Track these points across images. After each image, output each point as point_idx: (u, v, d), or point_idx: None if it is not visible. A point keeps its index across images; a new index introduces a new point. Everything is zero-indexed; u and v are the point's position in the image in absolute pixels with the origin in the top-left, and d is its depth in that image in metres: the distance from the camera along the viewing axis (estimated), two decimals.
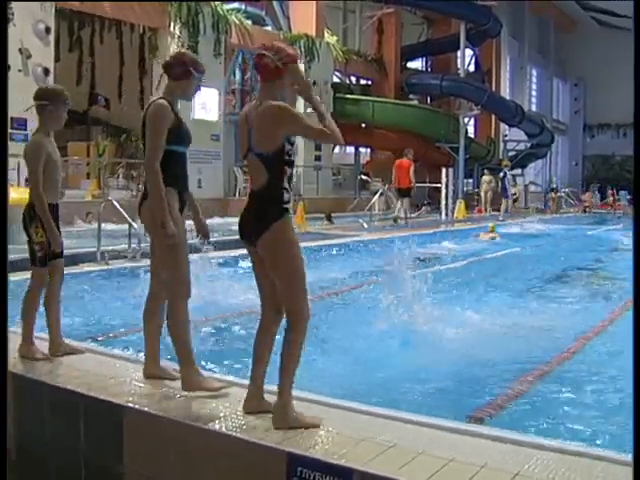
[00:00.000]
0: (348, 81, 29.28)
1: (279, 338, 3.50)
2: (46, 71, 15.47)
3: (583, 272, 11.00)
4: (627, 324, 3.91)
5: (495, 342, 5.80)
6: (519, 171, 32.78)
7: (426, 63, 35.37)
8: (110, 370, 4.24)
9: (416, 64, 34.72)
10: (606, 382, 4.73)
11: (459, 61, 29.81)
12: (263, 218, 3.38)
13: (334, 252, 11.95)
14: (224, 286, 7.39)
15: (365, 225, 16.57)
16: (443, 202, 22.24)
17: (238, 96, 24.17)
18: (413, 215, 19.32)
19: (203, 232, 4.22)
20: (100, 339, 5.58)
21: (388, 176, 26.35)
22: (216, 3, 20.45)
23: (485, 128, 33.40)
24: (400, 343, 5.56)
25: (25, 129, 14.64)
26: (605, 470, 2.95)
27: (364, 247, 12.99)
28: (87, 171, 21.50)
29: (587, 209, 28.61)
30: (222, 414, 3.49)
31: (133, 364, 4.39)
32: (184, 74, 4.02)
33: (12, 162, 9.76)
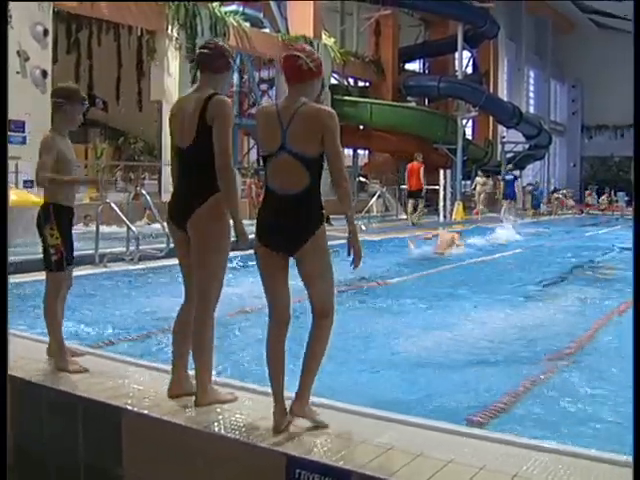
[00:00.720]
0: (346, 83, 29.27)
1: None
2: (44, 73, 15.45)
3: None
4: None
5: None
6: (517, 173, 32.77)
7: (424, 65, 35.36)
8: (109, 372, 4.23)
9: (414, 66, 34.72)
10: (605, 383, 4.73)
11: (457, 63, 29.80)
12: (306, 225, 3.30)
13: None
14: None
15: (363, 227, 16.58)
16: (441, 204, 22.26)
17: (236, 98, 24.18)
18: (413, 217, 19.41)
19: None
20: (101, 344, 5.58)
21: (386, 178, 26.50)
22: (214, 5, 20.44)
23: (483, 130, 33.39)
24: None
25: (23, 131, 14.64)
26: (604, 471, 2.95)
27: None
28: (85, 173, 21.50)
29: (585, 210, 28.68)
30: (221, 417, 3.50)
31: (132, 367, 4.39)
32: (226, 66, 3.75)
33: (10, 164, 9.77)
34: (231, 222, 3.62)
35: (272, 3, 23.94)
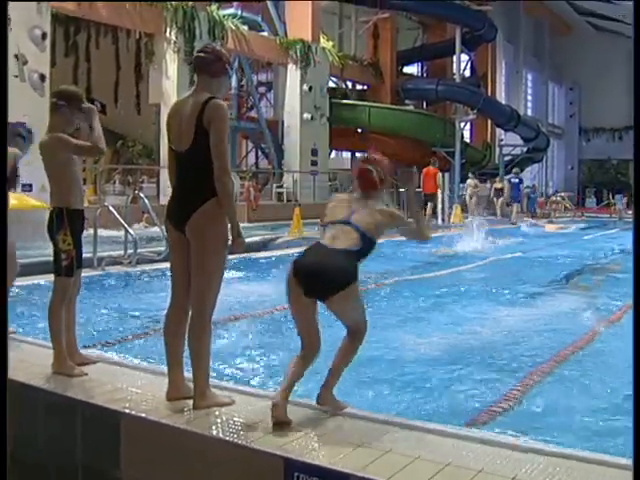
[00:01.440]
0: (344, 86, 29.31)
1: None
2: (42, 77, 15.45)
3: None
4: None
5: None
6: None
7: (422, 68, 35.42)
8: (107, 376, 4.23)
9: (412, 69, 34.77)
10: (604, 386, 4.73)
11: (455, 66, 29.87)
12: (344, 276, 3.54)
13: None
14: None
15: None
16: (439, 207, 22.27)
17: (234, 101, 24.20)
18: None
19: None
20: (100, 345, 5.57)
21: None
22: (212, 8, 20.46)
23: (481, 133, 33.42)
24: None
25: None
26: (603, 474, 2.95)
27: None
28: (83, 177, 21.47)
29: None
30: (219, 420, 3.50)
31: (130, 370, 4.39)
32: (222, 71, 3.75)
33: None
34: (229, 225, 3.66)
35: (270, 6, 23.97)
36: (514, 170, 26.15)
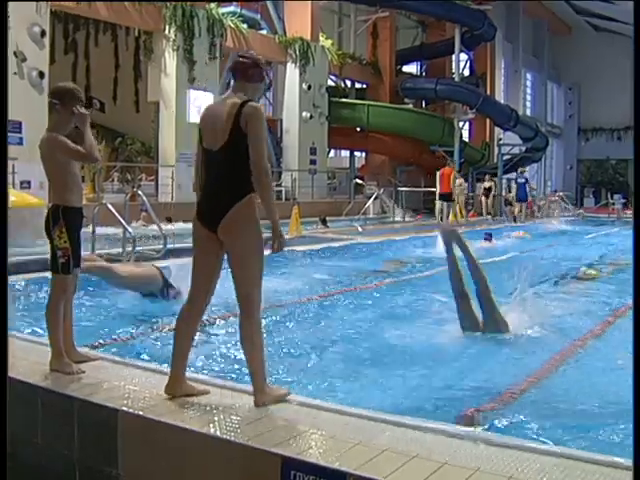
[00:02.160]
0: (343, 85, 29.31)
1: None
2: (41, 74, 15.45)
3: None
4: None
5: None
6: (513, 175, 32.82)
7: (421, 67, 35.42)
8: (105, 374, 4.23)
9: (411, 68, 34.76)
10: (602, 386, 4.74)
11: (454, 65, 29.87)
12: None
13: (327, 255, 11.90)
14: None
15: (360, 229, 16.60)
16: (438, 206, 22.30)
17: None
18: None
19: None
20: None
21: (383, 180, 26.53)
22: (211, 6, 20.45)
23: (480, 132, 33.42)
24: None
25: (20, 132, 14.65)
26: (601, 473, 2.95)
27: (357, 250, 13.01)
28: (81, 175, 21.45)
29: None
30: (216, 418, 3.50)
31: (128, 368, 4.39)
32: (259, 76, 3.84)
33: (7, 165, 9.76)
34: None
35: (269, 4, 23.96)
36: (520, 169, 26.30)
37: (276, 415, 3.58)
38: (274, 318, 6.51)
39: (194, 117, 19.85)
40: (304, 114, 23.92)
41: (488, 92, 32.56)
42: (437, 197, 22.01)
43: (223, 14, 21.07)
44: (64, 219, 4.26)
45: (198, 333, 5.86)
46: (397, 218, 22.49)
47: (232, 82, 3.85)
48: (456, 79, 29.25)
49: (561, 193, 32.06)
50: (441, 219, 21.49)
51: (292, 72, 23.91)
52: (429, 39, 33.26)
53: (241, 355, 5.12)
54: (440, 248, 10.88)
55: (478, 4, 29.15)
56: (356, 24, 29.85)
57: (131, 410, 3.59)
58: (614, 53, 39.00)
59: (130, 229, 9.93)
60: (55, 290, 4.34)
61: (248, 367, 3.77)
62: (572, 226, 22.32)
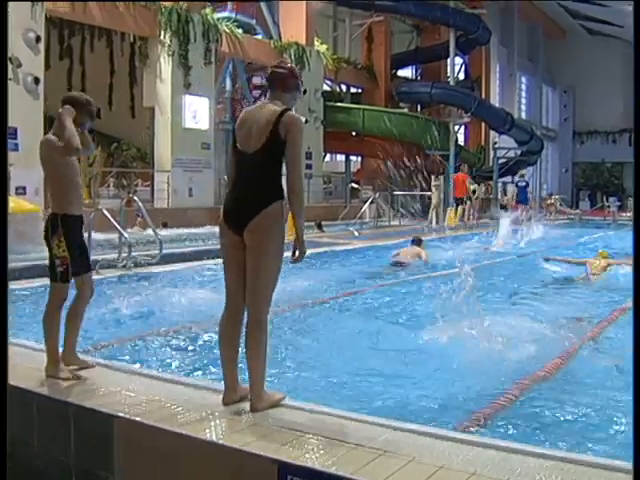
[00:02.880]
0: (338, 89, 29.35)
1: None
2: (36, 80, 15.45)
3: None
4: None
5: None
6: (509, 178, 32.88)
7: (416, 71, 35.49)
8: (101, 379, 4.23)
9: (406, 72, 34.83)
10: (601, 388, 4.74)
11: (449, 69, 29.91)
12: None
13: (322, 260, 11.90)
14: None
15: (356, 233, 16.61)
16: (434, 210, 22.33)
17: (228, 104, 24.19)
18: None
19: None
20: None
21: (379, 184, 26.54)
22: (206, 12, 20.46)
23: (475, 136, 33.50)
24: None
25: (15, 138, 14.63)
26: (597, 476, 2.96)
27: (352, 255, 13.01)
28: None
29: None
30: (212, 423, 3.50)
31: (124, 373, 4.39)
32: (295, 86, 3.90)
33: None
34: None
35: (265, 9, 23.99)
36: (520, 173, 26.42)
37: (272, 420, 3.58)
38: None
39: (189, 122, 19.89)
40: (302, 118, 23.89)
41: (483, 96, 32.65)
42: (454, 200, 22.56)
43: (218, 19, 21.10)
44: (63, 227, 4.24)
45: (197, 335, 5.91)
46: (394, 222, 22.50)
47: (268, 92, 3.91)
48: (451, 83, 29.31)
49: (557, 196, 32.10)
50: (437, 222, 21.52)
51: None
52: (424, 43, 33.33)
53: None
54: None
55: (473, 8, 29.22)
56: (351, 28, 29.91)
57: (127, 415, 3.58)
58: (608, 56, 39.14)
59: (126, 234, 9.93)
60: (53, 298, 4.33)
61: (249, 372, 3.76)
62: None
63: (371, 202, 21.31)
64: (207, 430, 3.40)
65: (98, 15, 17.72)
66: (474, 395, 4.55)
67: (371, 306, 7.93)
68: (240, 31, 22.02)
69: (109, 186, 22.57)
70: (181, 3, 19.43)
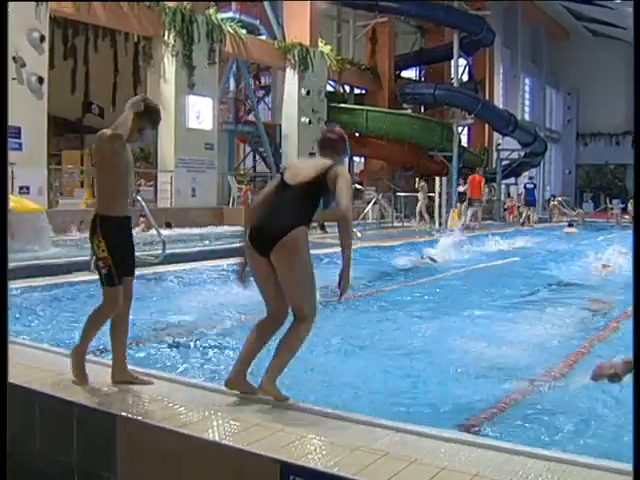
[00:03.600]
0: (342, 90, 29.34)
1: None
2: (40, 80, 15.47)
3: None
4: None
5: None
6: (513, 180, 32.88)
7: (420, 72, 35.48)
8: (104, 378, 4.23)
9: (410, 73, 34.81)
10: (603, 390, 4.73)
11: (452, 70, 29.90)
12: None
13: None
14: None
15: (359, 234, 16.59)
16: (437, 211, 22.34)
17: (232, 105, 24.21)
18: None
19: None
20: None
21: (382, 185, 26.55)
22: (210, 12, 20.47)
23: (479, 137, 33.48)
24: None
25: (19, 137, 14.66)
26: (599, 478, 2.95)
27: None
28: (81, 180, 21.50)
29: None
30: (215, 423, 3.50)
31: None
32: (344, 150, 4.25)
33: None
34: None
35: (269, 10, 23.99)
36: (529, 175, 26.67)
37: (275, 420, 3.58)
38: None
39: (193, 122, 19.89)
40: (303, 119, 23.94)
41: (487, 97, 32.63)
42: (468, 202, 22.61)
43: (222, 19, 21.10)
44: (101, 228, 4.12)
45: (200, 335, 5.92)
46: (397, 223, 22.51)
47: (319, 151, 4.20)
48: (455, 84, 29.28)
49: (560, 198, 32.09)
50: (440, 223, 21.52)
51: (291, 77, 23.93)
52: (428, 44, 33.32)
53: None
54: None
55: (476, 10, 29.21)
56: (355, 29, 29.90)
57: (129, 415, 3.58)
58: (612, 58, 39.10)
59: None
60: (104, 303, 4.18)
61: (275, 356, 3.90)
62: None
63: (374, 203, 21.31)
64: (210, 430, 3.39)
65: (102, 15, 17.73)
66: (476, 397, 4.55)
67: (380, 306, 7.92)
68: (244, 31, 22.01)
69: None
70: (185, 3, 19.46)
